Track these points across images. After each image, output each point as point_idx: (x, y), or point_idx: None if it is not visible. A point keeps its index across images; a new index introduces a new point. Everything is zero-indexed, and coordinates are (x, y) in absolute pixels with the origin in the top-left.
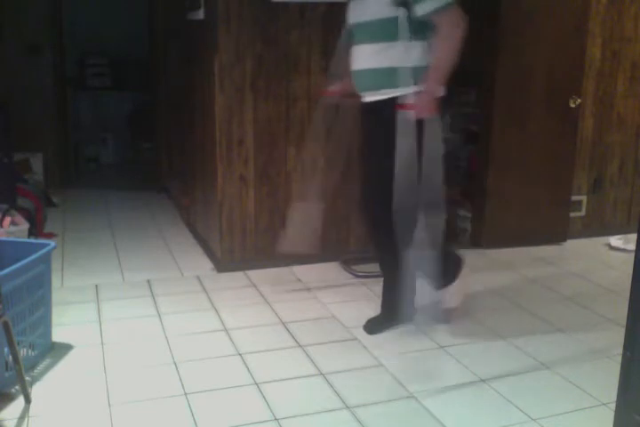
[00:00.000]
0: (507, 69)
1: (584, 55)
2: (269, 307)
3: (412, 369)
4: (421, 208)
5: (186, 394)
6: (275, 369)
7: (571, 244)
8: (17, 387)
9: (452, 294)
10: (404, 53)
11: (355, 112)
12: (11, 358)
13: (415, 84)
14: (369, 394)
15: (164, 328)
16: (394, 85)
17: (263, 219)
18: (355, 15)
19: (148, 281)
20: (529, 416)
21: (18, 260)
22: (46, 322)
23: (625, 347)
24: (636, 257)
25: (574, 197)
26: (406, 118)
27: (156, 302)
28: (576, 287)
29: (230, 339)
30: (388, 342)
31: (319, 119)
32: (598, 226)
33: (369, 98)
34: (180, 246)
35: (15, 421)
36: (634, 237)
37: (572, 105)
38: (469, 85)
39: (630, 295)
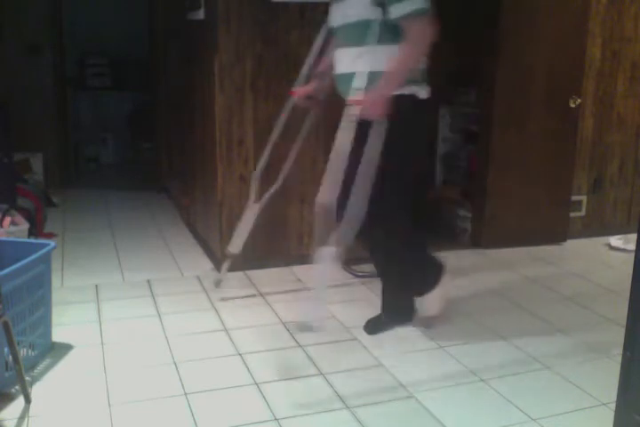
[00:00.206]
0: (507, 69)
1: (584, 55)
2: (269, 307)
3: (411, 369)
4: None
5: (186, 394)
6: (275, 369)
7: (571, 244)
8: (17, 387)
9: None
10: (383, 57)
11: (323, 113)
12: (11, 358)
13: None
14: (369, 394)
15: (163, 328)
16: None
17: (263, 219)
18: (336, 17)
19: (148, 281)
20: (529, 416)
21: (18, 260)
22: (46, 322)
23: (625, 347)
24: (636, 257)
25: (574, 197)
26: (350, 113)
27: (155, 302)
28: (576, 287)
29: (230, 339)
30: (388, 343)
31: (282, 120)
32: (598, 226)
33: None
34: (179, 246)
35: (15, 421)
36: (634, 237)
37: (572, 105)
38: (469, 85)
39: (630, 295)
